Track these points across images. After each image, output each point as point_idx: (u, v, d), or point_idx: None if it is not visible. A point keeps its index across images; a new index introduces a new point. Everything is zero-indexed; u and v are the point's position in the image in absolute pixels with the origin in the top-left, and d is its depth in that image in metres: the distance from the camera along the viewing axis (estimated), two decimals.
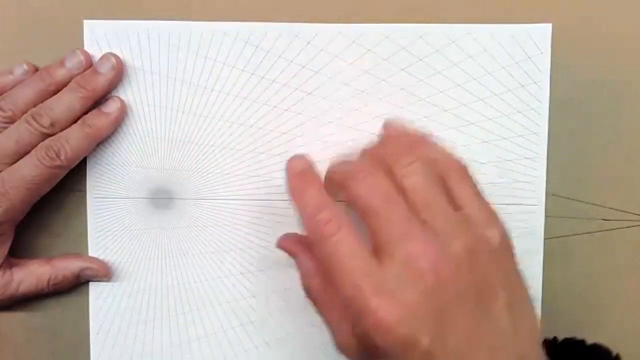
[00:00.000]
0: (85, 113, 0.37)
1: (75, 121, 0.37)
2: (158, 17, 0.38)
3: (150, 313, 0.39)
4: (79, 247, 0.39)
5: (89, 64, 0.37)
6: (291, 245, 0.33)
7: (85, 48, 0.38)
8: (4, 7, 0.38)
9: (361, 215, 0.29)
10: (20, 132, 0.36)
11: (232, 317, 0.39)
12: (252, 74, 0.38)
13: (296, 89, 0.38)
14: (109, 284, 0.39)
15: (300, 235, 0.33)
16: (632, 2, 0.38)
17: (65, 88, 0.37)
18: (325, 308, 0.30)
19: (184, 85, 0.38)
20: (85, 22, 0.38)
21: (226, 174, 0.39)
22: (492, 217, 0.30)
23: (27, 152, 0.36)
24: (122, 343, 0.39)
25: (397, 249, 0.27)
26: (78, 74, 0.37)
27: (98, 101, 0.37)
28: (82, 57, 0.37)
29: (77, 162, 0.37)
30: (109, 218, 0.39)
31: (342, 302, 0.28)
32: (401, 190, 0.29)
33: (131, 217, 0.39)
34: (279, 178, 0.38)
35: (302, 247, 0.33)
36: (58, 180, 0.37)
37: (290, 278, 0.39)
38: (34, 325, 0.39)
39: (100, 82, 0.37)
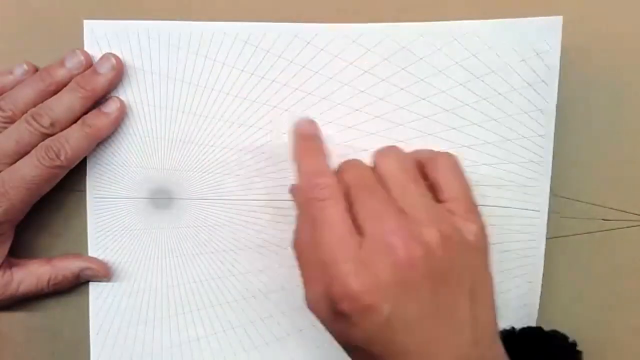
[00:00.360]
0: (85, 113, 0.37)
1: (75, 121, 0.37)
2: (158, 17, 0.38)
3: (150, 313, 0.39)
4: (79, 247, 0.39)
5: (89, 64, 0.37)
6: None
7: (85, 48, 0.38)
8: (4, 7, 0.38)
9: (347, 201, 0.31)
10: (20, 132, 0.36)
11: (232, 317, 0.39)
12: (252, 74, 0.38)
13: (296, 89, 0.38)
14: (109, 284, 0.39)
15: None
16: (633, 2, 0.38)
17: (65, 88, 0.37)
18: (304, 265, 0.32)
19: (184, 85, 0.38)
20: (85, 22, 0.38)
21: (226, 174, 0.39)
22: (472, 212, 0.31)
23: (27, 152, 0.36)
24: (122, 343, 0.39)
25: (372, 226, 0.29)
26: (78, 74, 0.37)
27: (98, 101, 0.37)
28: (82, 57, 0.37)
29: (77, 162, 0.37)
30: (109, 218, 0.39)
31: (318, 264, 0.30)
32: (380, 179, 0.31)
33: (131, 217, 0.39)
34: (280, 178, 0.38)
35: None
36: (58, 180, 0.37)
37: (289, 278, 0.39)
38: (34, 325, 0.39)
39: (100, 82, 0.37)
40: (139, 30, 0.38)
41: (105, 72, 0.37)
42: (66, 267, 0.38)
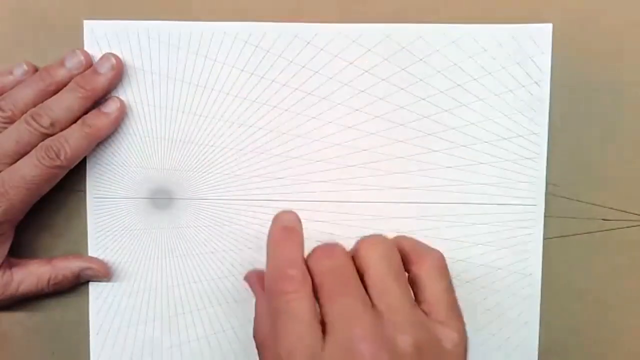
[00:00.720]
0: (85, 113, 0.37)
1: (75, 121, 0.37)
2: (158, 17, 0.38)
3: (150, 313, 0.39)
4: (79, 247, 0.39)
5: (89, 64, 0.37)
6: (256, 283, 0.34)
7: (85, 48, 0.38)
8: (4, 7, 0.38)
9: (316, 291, 0.29)
10: (20, 132, 0.36)
11: (232, 317, 0.39)
12: (252, 73, 0.38)
13: (296, 89, 0.38)
14: (109, 284, 0.39)
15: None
16: (632, 2, 0.38)
17: (64, 88, 0.37)
18: (266, 354, 0.30)
19: (184, 85, 0.38)
20: (85, 22, 0.38)
21: (226, 174, 0.39)
22: (453, 317, 0.29)
23: (27, 152, 0.36)
24: (122, 343, 0.39)
25: (341, 330, 0.27)
26: (78, 74, 0.37)
27: (98, 101, 0.38)
28: (82, 57, 0.37)
29: (77, 162, 0.37)
30: (109, 218, 0.39)
31: (277, 358, 0.28)
32: (360, 269, 0.29)
33: (131, 217, 0.39)
34: (279, 178, 0.39)
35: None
36: (58, 180, 0.37)
37: None
38: (34, 325, 0.40)
39: (100, 82, 0.37)
40: (139, 30, 0.38)
41: (105, 72, 0.37)
42: (66, 267, 0.38)
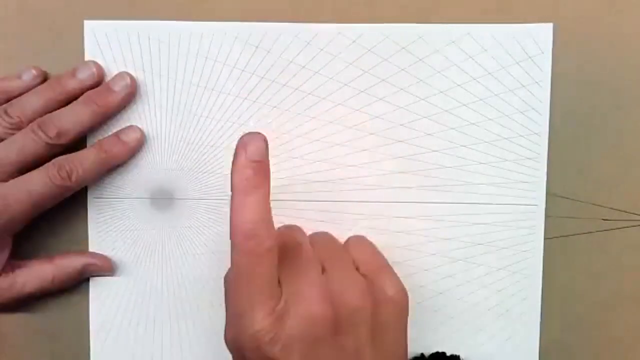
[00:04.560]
0: (92, 130, 0.38)
1: (81, 136, 0.38)
2: (158, 17, 0.39)
3: (151, 313, 0.40)
4: (80, 248, 0.40)
5: (101, 77, 0.38)
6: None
7: (86, 48, 0.39)
8: (4, 7, 0.39)
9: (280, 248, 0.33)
10: (25, 140, 0.36)
11: None
12: (252, 74, 0.39)
13: (296, 89, 0.39)
14: (109, 284, 0.40)
15: None
16: (633, 2, 0.39)
17: (77, 100, 0.37)
18: (233, 301, 0.34)
19: (184, 85, 0.39)
20: (86, 22, 0.39)
21: (226, 174, 0.39)
22: (387, 272, 0.36)
23: (28, 162, 0.36)
24: (122, 343, 0.40)
25: (293, 285, 0.32)
26: (89, 85, 0.38)
27: (107, 120, 0.38)
28: (94, 69, 0.38)
29: (84, 185, 0.38)
30: (109, 218, 0.39)
31: (234, 310, 0.32)
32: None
33: (131, 217, 0.40)
34: (279, 178, 0.39)
35: None
36: (60, 199, 0.37)
37: None
38: (34, 325, 0.40)
39: (114, 100, 0.38)
40: (139, 30, 0.38)
41: (119, 90, 0.38)
42: (68, 264, 0.39)
